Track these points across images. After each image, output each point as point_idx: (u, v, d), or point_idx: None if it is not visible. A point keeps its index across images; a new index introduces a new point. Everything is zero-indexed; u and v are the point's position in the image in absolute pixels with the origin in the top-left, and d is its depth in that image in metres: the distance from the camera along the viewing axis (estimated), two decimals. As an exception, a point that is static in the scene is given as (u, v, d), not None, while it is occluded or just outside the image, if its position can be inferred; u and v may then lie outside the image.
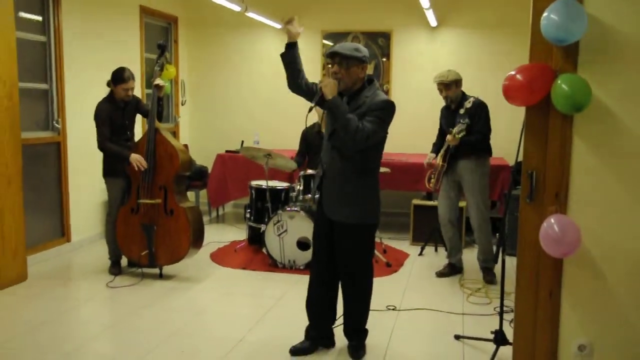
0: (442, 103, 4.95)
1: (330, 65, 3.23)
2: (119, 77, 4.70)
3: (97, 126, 4.66)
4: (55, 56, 5.36)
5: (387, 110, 3.17)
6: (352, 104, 3.19)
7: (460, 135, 4.58)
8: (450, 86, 4.73)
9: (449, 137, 4.65)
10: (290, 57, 3.32)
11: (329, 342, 3.51)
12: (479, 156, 4.75)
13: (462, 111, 4.73)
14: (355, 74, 3.18)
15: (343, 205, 3.25)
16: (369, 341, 3.48)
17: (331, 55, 3.20)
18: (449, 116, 4.88)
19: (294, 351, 3.41)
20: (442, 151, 4.80)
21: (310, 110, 3.20)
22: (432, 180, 4.98)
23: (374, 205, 3.30)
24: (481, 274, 4.86)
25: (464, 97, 4.79)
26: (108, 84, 4.76)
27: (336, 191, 3.26)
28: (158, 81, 4.69)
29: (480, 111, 4.69)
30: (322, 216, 3.37)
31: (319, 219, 3.43)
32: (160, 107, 4.74)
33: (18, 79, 4.60)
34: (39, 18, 5.28)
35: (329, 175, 3.29)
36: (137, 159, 4.59)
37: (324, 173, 3.33)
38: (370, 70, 3.34)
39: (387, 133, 3.30)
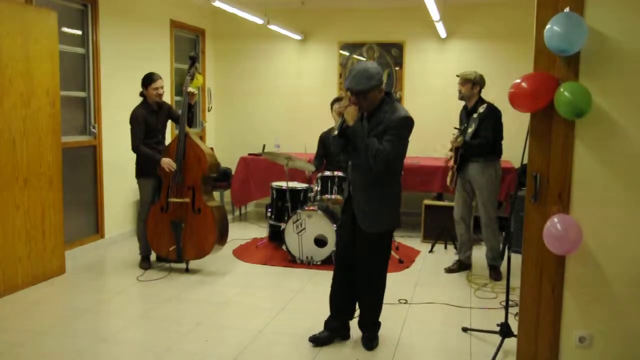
0: (452, 110, 4.95)
1: (350, 94, 3.23)
2: (149, 78, 4.76)
3: (132, 129, 4.70)
4: (93, 67, 5.45)
5: (405, 127, 3.18)
6: (372, 120, 3.22)
7: (459, 140, 4.59)
8: (465, 83, 4.72)
9: (451, 140, 4.66)
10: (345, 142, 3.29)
11: (346, 335, 3.52)
12: (487, 159, 4.71)
13: (475, 115, 4.69)
14: (373, 98, 3.18)
15: (370, 216, 3.28)
16: (381, 333, 3.50)
17: (350, 91, 3.19)
18: (464, 117, 4.87)
19: (313, 340, 3.42)
20: (451, 152, 4.79)
21: (334, 138, 3.28)
22: (449, 179, 4.96)
23: (393, 213, 3.33)
24: (488, 271, 4.84)
25: (480, 101, 4.75)
26: (140, 94, 4.82)
27: (362, 203, 3.30)
28: (190, 89, 4.75)
29: (489, 117, 4.63)
30: (345, 219, 3.41)
31: (343, 220, 3.46)
32: (191, 113, 4.80)
33: (60, 87, 4.69)
34: (79, 32, 5.37)
35: (355, 189, 3.34)
36: (167, 163, 4.65)
37: (351, 186, 3.37)
38: (383, 78, 3.33)
39: (407, 143, 3.31)
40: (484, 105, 4.70)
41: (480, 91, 4.77)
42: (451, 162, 4.84)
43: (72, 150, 5.22)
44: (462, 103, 4.89)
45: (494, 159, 4.76)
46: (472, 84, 4.72)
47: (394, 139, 3.12)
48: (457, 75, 4.80)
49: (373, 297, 3.42)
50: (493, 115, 4.67)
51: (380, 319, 3.48)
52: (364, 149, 3.11)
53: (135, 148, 4.71)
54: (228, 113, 7.85)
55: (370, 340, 3.41)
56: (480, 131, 4.62)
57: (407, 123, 3.18)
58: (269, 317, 3.86)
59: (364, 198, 3.28)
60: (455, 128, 4.82)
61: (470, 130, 4.65)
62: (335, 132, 3.23)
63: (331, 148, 3.37)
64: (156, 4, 6.38)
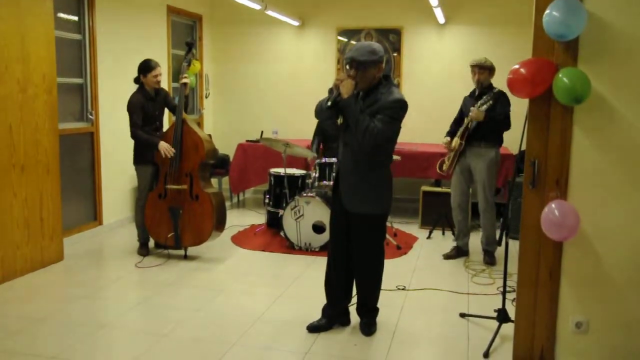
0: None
1: (348, 67, 3.19)
2: (147, 66, 4.72)
3: (130, 115, 4.67)
4: (89, 53, 5.41)
5: (398, 109, 3.15)
6: (367, 99, 3.19)
7: (485, 107, 4.47)
8: (484, 70, 4.67)
9: (473, 110, 4.55)
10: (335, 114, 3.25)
11: (345, 320, 3.53)
12: (489, 144, 4.69)
13: (486, 96, 4.66)
14: (371, 74, 3.16)
15: (356, 197, 3.27)
16: (379, 319, 3.51)
17: (349, 61, 3.17)
18: (472, 102, 4.77)
19: (312, 328, 3.43)
20: (461, 129, 4.73)
21: (325, 107, 3.21)
22: (445, 164, 4.91)
23: (384, 196, 3.31)
24: (482, 256, 4.86)
25: (490, 87, 4.73)
26: (135, 81, 4.79)
27: (350, 184, 3.28)
28: (185, 80, 4.72)
29: (503, 97, 4.62)
30: (337, 204, 3.40)
31: (334, 206, 3.45)
32: (186, 102, 4.77)
33: (56, 74, 4.65)
34: (75, 18, 5.32)
35: (344, 169, 3.32)
36: (165, 147, 4.63)
37: (340, 166, 3.35)
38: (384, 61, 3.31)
39: (400, 128, 3.28)
40: (495, 90, 4.68)
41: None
42: (456, 140, 4.75)
43: (70, 137, 5.20)
44: (465, 90, 4.83)
45: (495, 144, 4.74)
46: (489, 71, 4.69)
47: (385, 119, 3.10)
48: (473, 64, 4.69)
49: (371, 283, 3.43)
50: (507, 97, 4.63)
51: (379, 305, 3.50)
52: (354, 124, 3.09)
53: (133, 133, 4.69)
54: (226, 99, 7.82)
55: (368, 326, 3.43)
56: (497, 107, 4.58)
57: (401, 105, 3.16)
58: (267, 303, 3.87)
59: (351, 178, 3.27)
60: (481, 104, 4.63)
61: (485, 100, 4.60)
62: (329, 103, 3.17)
63: (319, 115, 3.32)
64: (153, -11, 6.33)
